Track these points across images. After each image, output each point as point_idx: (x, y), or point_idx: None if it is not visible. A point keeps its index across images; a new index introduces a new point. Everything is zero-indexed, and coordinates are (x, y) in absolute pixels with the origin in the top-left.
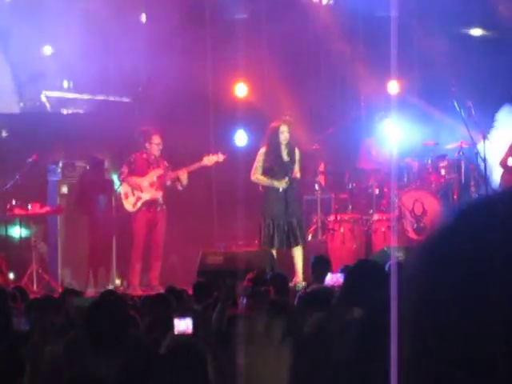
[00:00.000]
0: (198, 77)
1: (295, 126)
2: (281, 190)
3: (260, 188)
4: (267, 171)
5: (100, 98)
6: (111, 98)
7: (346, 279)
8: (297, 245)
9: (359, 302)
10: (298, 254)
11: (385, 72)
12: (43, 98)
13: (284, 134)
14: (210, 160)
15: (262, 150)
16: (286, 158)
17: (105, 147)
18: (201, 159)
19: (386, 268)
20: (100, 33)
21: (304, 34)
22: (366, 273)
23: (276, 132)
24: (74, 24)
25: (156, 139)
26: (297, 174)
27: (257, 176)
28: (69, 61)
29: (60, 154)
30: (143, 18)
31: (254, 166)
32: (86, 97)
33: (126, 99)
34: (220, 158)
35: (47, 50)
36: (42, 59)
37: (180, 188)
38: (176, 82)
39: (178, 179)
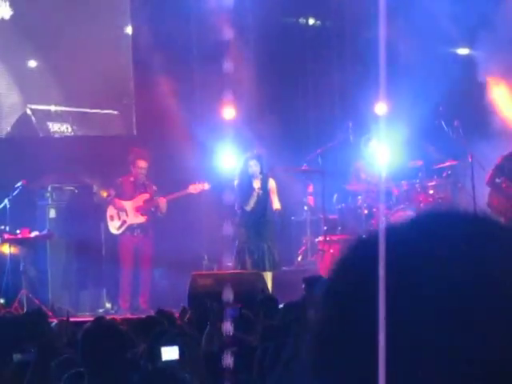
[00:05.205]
0: (185, 94)
1: (283, 147)
2: (248, 209)
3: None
4: (243, 201)
5: (86, 110)
6: (98, 111)
7: None
8: (264, 271)
9: None
10: (267, 279)
11: (373, 93)
12: (28, 112)
13: (252, 168)
14: (195, 188)
15: (235, 182)
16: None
17: (93, 171)
18: (186, 187)
19: None
20: (85, 45)
21: (291, 55)
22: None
23: (245, 165)
24: (58, 37)
25: (141, 163)
26: (275, 204)
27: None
28: (54, 74)
29: (48, 179)
30: (129, 29)
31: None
32: (71, 109)
33: (113, 111)
34: (206, 186)
35: (32, 63)
36: (27, 72)
37: (160, 215)
38: (163, 97)
39: (158, 206)
